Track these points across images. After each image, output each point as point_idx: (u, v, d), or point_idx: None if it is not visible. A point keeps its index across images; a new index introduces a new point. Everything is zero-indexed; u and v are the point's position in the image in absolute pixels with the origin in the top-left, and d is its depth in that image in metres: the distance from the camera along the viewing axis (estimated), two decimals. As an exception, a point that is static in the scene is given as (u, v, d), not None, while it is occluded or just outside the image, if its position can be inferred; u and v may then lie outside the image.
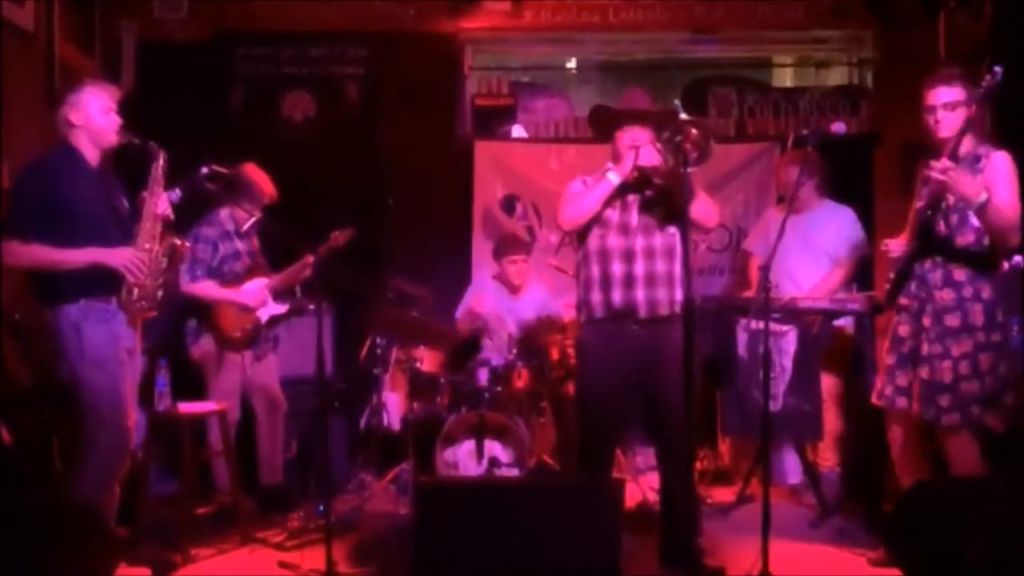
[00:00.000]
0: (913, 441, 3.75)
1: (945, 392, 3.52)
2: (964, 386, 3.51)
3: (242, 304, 4.56)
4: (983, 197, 3.38)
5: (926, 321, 3.59)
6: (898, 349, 3.70)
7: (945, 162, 3.38)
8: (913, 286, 3.64)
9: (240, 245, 4.66)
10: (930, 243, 3.60)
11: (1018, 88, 3.52)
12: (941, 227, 3.59)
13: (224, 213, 4.62)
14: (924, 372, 3.57)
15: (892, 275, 3.73)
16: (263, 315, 4.63)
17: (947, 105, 3.53)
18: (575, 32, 6.18)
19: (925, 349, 3.57)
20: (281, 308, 4.73)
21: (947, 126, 3.53)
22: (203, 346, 4.56)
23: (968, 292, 3.54)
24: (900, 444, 3.78)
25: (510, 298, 5.32)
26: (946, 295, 3.56)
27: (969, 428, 3.54)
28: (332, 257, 4.60)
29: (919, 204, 3.69)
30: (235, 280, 4.60)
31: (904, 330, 3.66)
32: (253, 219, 4.55)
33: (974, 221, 3.52)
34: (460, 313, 5.33)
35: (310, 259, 4.60)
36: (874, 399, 3.80)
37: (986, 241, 3.55)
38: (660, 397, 3.67)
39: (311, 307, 4.87)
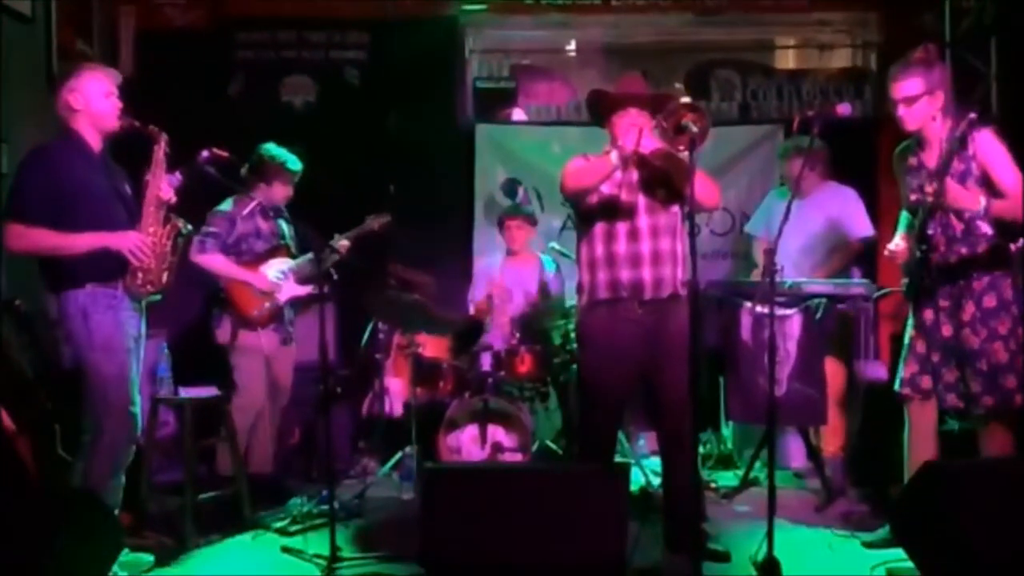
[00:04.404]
0: (933, 429, 3.74)
1: (1009, 372, 3.51)
2: (1018, 363, 3.52)
3: (251, 284, 4.53)
4: (982, 204, 3.41)
5: (967, 314, 3.56)
6: (939, 346, 3.64)
7: (933, 186, 3.40)
8: (949, 286, 3.60)
9: (263, 225, 4.63)
10: (950, 240, 3.58)
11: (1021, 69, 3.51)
12: (956, 223, 3.57)
13: (257, 192, 4.60)
14: (983, 364, 3.53)
15: (906, 277, 3.72)
16: (282, 296, 4.59)
17: (907, 100, 3.56)
18: (577, 15, 6.15)
19: (975, 342, 3.54)
20: (302, 290, 4.66)
21: (912, 120, 3.58)
22: (225, 331, 4.55)
23: (999, 272, 3.56)
24: (918, 432, 3.76)
25: (515, 271, 5.31)
26: (983, 280, 3.56)
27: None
28: (366, 243, 4.62)
29: (913, 197, 3.67)
30: (253, 259, 4.57)
31: (946, 330, 3.61)
32: (254, 203, 4.54)
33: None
34: (478, 294, 5.33)
35: (341, 242, 4.60)
36: (902, 389, 3.74)
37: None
38: (663, 380, 3.65)
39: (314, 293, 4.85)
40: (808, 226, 4.81)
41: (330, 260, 4.61)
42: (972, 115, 3.46)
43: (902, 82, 3.57)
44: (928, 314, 3.67)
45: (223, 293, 4.53)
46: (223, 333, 4.55)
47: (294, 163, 4.63)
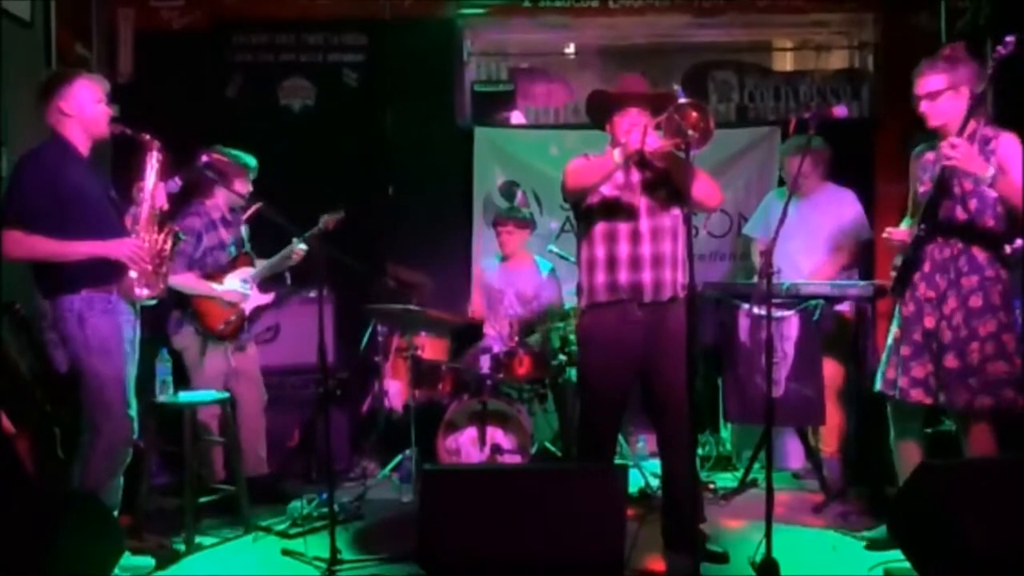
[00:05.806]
0: (916, 428, 3.74)
1: (974, 375, 3.49)
2: (991, 367, 3.49)
3: (219, 298, 4.50)
4: (991, 172, 3.37)
5: (948, 308, 3.54)
6: (912, 340, 3.63)
7: (955, 139, 3.37)
8: (936, 276, 3.59)
9: (225, 234, 4.60)
10: (950, 230, 3.56)
11: (1020, 70, 3.49)
12: (960, 213, 3.55)
13: (210, 202, 4.57)
14: (950, 360, 3.52)
15: (898, 263, 3.70)
16: (247, 307, 4.57)
17: (930, 95, 3.52)
18: (575, 17, 6.16)
19: (949, 336, 3.53)
20: (266, 298, 4.66)
21: (935, 115, 3.54)
22: (184, 337, 4.52)
23: (990, 273, 3.53)
24: (902, 432, 3.76)
25: (507, 273, 5.31)
26: (972, 280, 3.53)
27: (1001, 412, 3.51)
28: (324, 241, 4.50)
29: (922, 188, 3.67)
30: (219, 271, 4.54)
31: (929, 321, 3.59)
32: (218, 213, 4.54)
33: (996, 205, 3.50)
34: (476, 300, 5.33)
35: (299, 247, 4.56)
36: (883, 388, 3.75)
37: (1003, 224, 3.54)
38: (661, 381, 3.66)
39: (312, 295, 4.85)
40: (807, 227, 4.81)
41: (289, 263, 4.64)
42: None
43: (925, 78, 3.53)
44: (911, 307, 3.66)
45: (191, 308, 4.48)
46: (180, 339, 4.52)
47: (251, 159, 4.59)
